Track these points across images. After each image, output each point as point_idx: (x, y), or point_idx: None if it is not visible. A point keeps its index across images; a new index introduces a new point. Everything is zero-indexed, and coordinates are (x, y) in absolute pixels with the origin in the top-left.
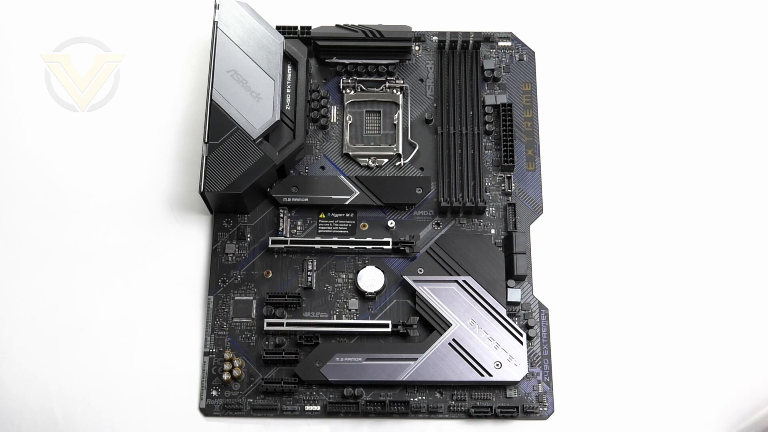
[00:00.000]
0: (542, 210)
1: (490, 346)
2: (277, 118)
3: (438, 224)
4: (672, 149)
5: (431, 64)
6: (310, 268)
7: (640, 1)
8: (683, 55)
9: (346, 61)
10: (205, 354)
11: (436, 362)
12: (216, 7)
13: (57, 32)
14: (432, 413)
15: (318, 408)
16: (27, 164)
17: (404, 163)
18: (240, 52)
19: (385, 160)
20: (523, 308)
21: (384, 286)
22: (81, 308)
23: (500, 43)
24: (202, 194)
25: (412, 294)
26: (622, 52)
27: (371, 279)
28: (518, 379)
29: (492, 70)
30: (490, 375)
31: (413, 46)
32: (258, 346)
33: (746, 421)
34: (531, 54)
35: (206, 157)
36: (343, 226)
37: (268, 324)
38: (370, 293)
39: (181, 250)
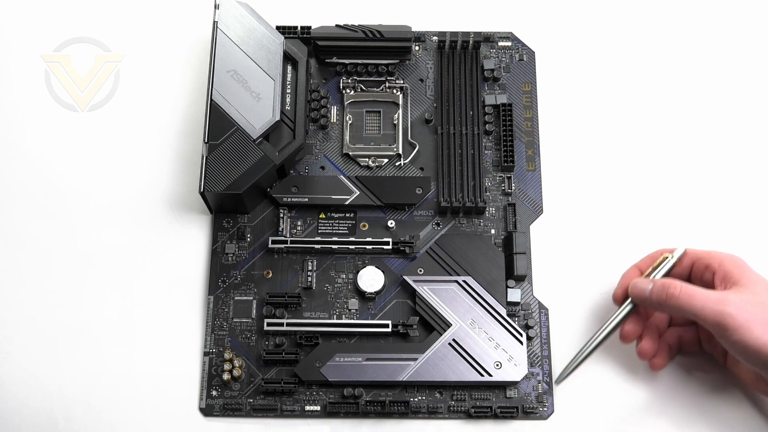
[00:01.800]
0: (542, 210)
1: (490, 346)
2: (277, 118)
3: (438, 224)
4: (672, 148)
5: (431, 64)
6: (310, 268)
7: (639, 2)
8: (682, 54)
9: (346, 61)
10: (205, 354)
11: (436, 362)
12: (216, 7)
13: (57, 32)
14: (432, 413)
15: (318, 408)
16: (27, 164)
17: (404, 163)
18: (240, 52)
19: (385, 160)
20: (523, 308)
21: (384, 286)
22: (81, 308)
23: (500, 43)
24: (202, 194)
25: (412, 294)
26: (622, 52)
27: (371, 279)
28: (518, 379)
29: (492, 70)
30: (490, 375)
31: (413, 46)
32: (258, 346)
33: None
34: (531, 54)
35: (206, 157)
36: (343, 226)
37: (268, 324)
38: (370, 293)
39: (181, 250)
